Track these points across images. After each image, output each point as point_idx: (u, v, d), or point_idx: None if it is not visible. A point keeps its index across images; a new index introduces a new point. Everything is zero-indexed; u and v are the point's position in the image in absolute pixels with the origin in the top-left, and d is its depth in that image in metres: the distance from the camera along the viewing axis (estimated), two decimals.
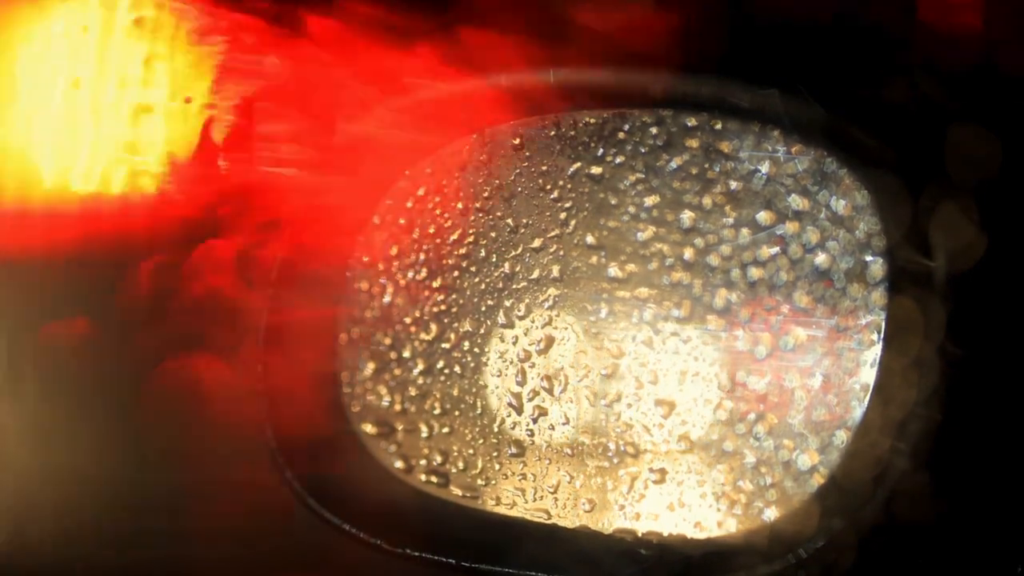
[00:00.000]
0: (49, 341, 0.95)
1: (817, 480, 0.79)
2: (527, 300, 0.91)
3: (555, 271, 0.90)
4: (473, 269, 0.93)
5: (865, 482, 0.75)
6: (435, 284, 0.94)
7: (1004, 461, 0.76)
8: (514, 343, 0.91)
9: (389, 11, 0.88)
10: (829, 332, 0.80)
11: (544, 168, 0.90)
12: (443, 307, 0.94)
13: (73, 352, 0.95)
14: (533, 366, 0.90)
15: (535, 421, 0.90)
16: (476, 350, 0.93)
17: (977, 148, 0.74)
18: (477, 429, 0.92)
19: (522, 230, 0.91)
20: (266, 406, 0.92)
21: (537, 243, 0.91)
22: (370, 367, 0.96)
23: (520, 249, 0.91)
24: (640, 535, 0.86)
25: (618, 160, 0.88)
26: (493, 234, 0.92)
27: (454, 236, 0.94)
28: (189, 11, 0.95)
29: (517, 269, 0.91)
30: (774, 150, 0.82)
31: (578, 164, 0.89)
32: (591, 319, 0.88)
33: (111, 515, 0.95)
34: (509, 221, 0.92)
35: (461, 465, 0.93)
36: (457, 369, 0.94)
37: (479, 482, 0.92)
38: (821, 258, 0.80)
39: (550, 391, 0.90)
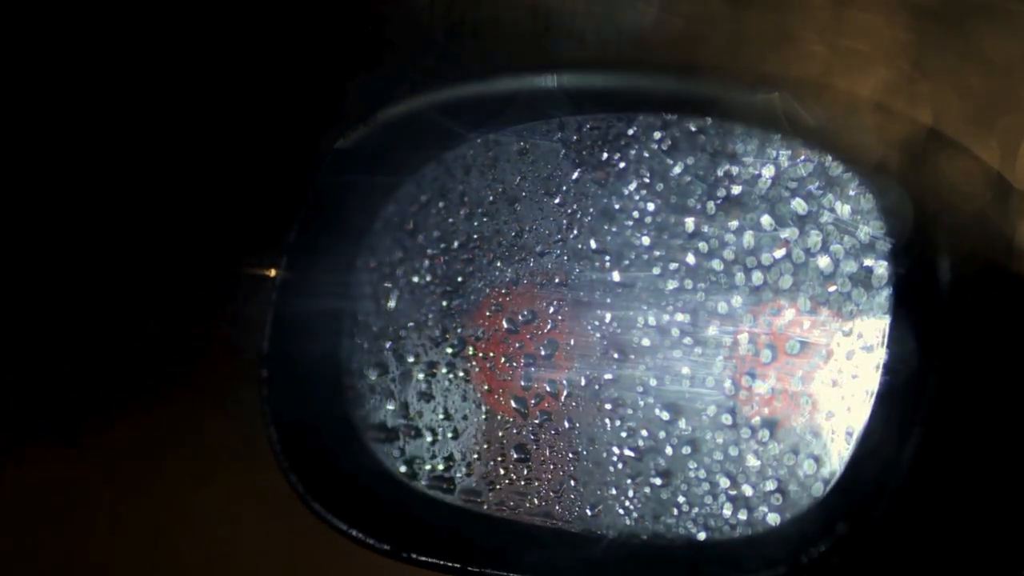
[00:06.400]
0: None
1: (821, 484, 0.79)
2: (531, 305, 0.91)
3: (559, 276, 0.90)
4: (478, 274, 0.93)
5: (869, 487, 0.75)
6: (439, 288, 0.95)
7: (1008, 466, 0.76)
8: (519, 347, 0.91)
9: None
10: (833, 336, 0.80)
11: (548, 173, 0.91)
12: (447, 311, 0.94)
13: None
14: (538, 370, 0.90)
15: (540, 425, 0.90)
16: (481, 354, 0.93)
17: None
18: (482, 433, 0.92)
19: (526, 235, 0.91)
20: (270, 410, 0.92)
21: (541, 248, 0.91)
22: (375, 371, 0.97)
23: (524, 254, 0.91)
24: (645, 539, 0.86)
25: (621, 165, 0.88)
26: (498, 239, 0.93)
27: (459, 241, 0.94)
28: None
29: (521, 274, 0.91)
30: (777, 154, 0.82)
31: (581, 169, 0.89)
32: (595, 323, 0.88)
33: None
34: (513, 226, 0.92)
35: (465, 469, 0.93)
36: (462, 374, 0.94)
37: (484, 486, 0.92)
38: (825, 262, 0.80)
39: (555, 395, 0.90)
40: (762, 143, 0.83)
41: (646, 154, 0.87)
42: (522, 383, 0.91)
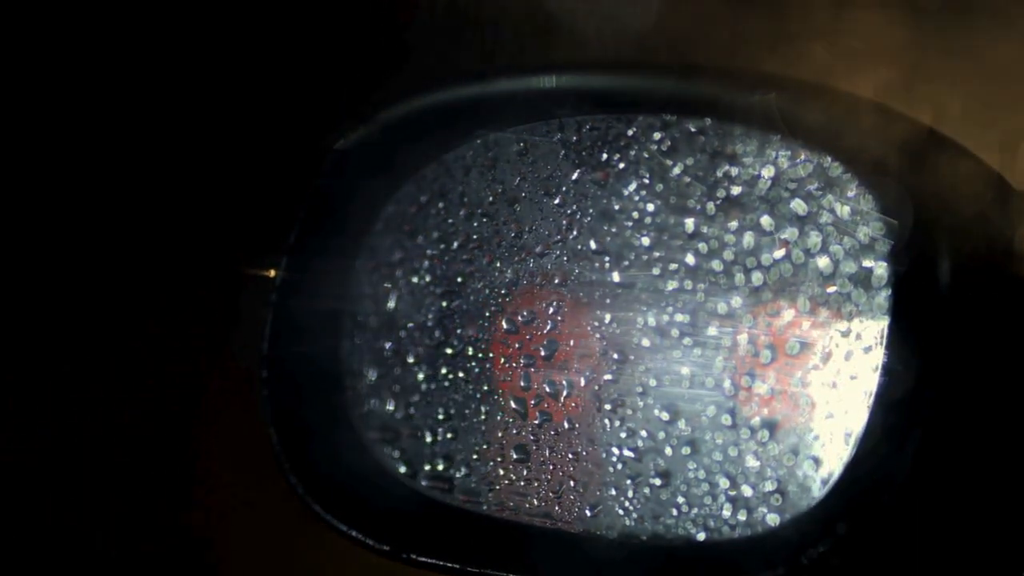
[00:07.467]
0: None
1: (819, 485, 0.79)
2: (531, 305, 0.91)
3: (559, 277, 0.90)
4: (477, 274, 0.93)
5: (868, 487, 0.75)
6: (439, 289, 0.95)
7: (1008, 466, 0.76)
8: (518, 348, 0.91)
9: None
10: (833, 336, 0.80)
11: (547, 173, 0.91)
12: (447, 312, 0.94)
13: None
14: (537, 371, 0.90)
15: (539, 426, 0.90)
16: (480, 355, 0.93)
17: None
18: (481, 434, 0.92)
19: (526, 235, 0.91)
20: (270, 411, 0.92)
21: (540, 249, 0.91)
22: (374, 372, 0.97)
23: (524, 255, 0.91)
24: (644, 539, 0.86)
25: (621, 165, 0.88)
26: (498, 239, 0.93)
27: (458, 241, 0.94)
28: None
29: (521, 274, 0.91)
30: (777, 155, 0.82)
31: (581, 169, 0.89)
32: (595, 324, 0.88)
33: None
34: (513, 226, 0.92)
35: (465, 470, 0.93)
36: (461, 374, 0.94)
37: (483, 487, 0.92)
38: (824, 262, 0.80)
39: (555, 396, 0.90)
40: (761, 144, 0.82)
41: (646, 155, 0.87)
42: (522, 384, 0.91)
